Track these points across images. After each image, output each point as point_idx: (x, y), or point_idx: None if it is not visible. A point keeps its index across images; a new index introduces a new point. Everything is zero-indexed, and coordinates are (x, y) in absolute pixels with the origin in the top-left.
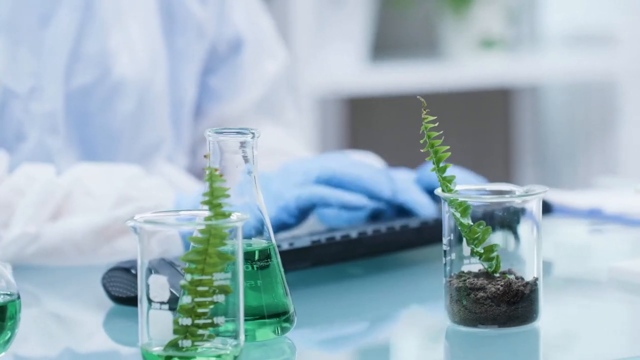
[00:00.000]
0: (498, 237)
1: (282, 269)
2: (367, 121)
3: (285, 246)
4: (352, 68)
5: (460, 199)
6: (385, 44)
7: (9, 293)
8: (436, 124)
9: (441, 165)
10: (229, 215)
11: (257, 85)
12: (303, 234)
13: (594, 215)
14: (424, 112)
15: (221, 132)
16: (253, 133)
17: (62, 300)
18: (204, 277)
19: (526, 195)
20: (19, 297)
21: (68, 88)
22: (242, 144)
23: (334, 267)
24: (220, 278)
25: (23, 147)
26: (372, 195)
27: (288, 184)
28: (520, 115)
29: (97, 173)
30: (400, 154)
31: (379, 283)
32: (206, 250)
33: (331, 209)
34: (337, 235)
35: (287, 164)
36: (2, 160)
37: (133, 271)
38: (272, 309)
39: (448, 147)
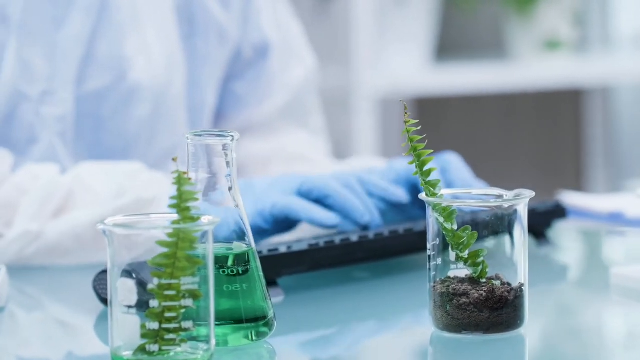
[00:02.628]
0: (484, 242)
1: (261, 274)
2: (432, 122)
3: (283, 249)
4: (416, 69)
5: (444, 204)
6: (450, 45)
7: None
8: (418, 127)
9: (425, 169)
10: (198, 219)
11: (283, 91)
12: (306, 238)
13: (615, 219)
14: (406, 115)
15: (201, 135)
16: (232, 136)
17: (63, 303)
18: (172, 281)
19: (509, 200)
20: None
21: (81, 92)
22: (223, 147)
23: (340, 270)
24: (188, 282)
25: (34, 149)
26: (349, 218)
27: (274, 189)
28: (591, 117)
29: (98, 170)
30: (466, 154)
31: (380, 287)
32: (175, 254)
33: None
34: (337, 238)
35: (284, 174)
36: (7, 159)
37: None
38: (250, 313)
39: (431, 150)
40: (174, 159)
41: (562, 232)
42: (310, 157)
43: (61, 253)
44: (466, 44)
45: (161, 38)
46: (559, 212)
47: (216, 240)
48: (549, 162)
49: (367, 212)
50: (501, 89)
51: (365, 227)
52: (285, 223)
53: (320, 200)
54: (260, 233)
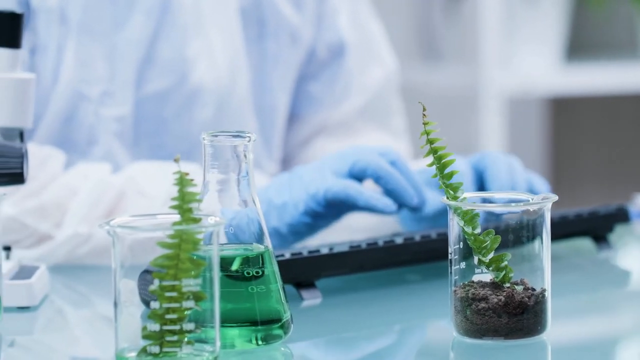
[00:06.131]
0: (509, 247)
1: (278, 275)
2: (565, 122)
3: (324, 251)
4: (547, 69)
5: (465, 208)
6: (581, 44)
7: None
8: (438, 130)
9: (446, 172)
10: (199, 220)
11: (361, 92)
12: (345, 241)
13: None
14: (424, 117)
15: (218, 136)
16: (249, 137)
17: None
18: (175, 283)
19: (530, 203)
20: None
21: (141, 94)
22: (238, 148)
23: (390, 272)
24: (190, 284)
25: (94, 150)
26: (398, 199)
27: (323, 172)
28: None
29: (151, 171)
30: (599, 154)
31: (426, 290)
32: (177, 256)
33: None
34: (380, 240)
35: (333, 153)
36: (58, 159)
37: None
38: (265, 315)
39: (453, 153)
40: (175, 159)
41: (625, 236)
42: None
43: (110, 255)
44: (598, 44)
45: (225, 40)
46: (621, 215)
47: (234, 242)
48: None
49: (416, 193)
50: (635, 89)
51: (414, 209)
52: (340, 207)
53: (373, 181)
54: (314, 216)
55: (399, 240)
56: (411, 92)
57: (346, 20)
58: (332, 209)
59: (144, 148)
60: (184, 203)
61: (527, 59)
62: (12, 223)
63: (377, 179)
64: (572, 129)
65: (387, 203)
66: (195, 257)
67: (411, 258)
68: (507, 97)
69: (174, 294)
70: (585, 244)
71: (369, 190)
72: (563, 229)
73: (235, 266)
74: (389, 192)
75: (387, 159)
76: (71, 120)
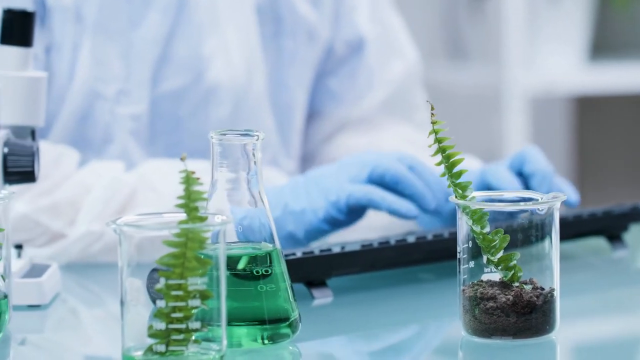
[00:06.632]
0: (516, 246)
1: (286, 275)
2: (589, 121)
3: (336, 249)
4: (571, 68)
5: (474, 207)
6: (605, 43)
7: None
8: (446, 129)
9: (455, 171)
10: (205, 219)
11: (383, 86)
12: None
13: None
14: (433, 116)
15: (226, 134)
16: (257, 135)
17: None
18: (181, 282)
19: (539, 203)
20: (5, 297)
21: (157, 92)
22: (247, 146)
23: (403, 271)
24: (195, 283)
25: (110, 149)
26: (416, 204)
27: (341, 179)
28: None
29: (165, 169)
30: (624, 153)
31: (439, 288)
32: (184, 254)
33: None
34: (392, 239)
35: (342, 159)
36: (72, 157)
37: None
38: (273, 314)
39: (461, 152)
40: (182, 158)
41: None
42: None
43: None
44: (622, 42)
45: (241, 38)
46: (636, 214)
47: (243, 241)
48: None
49: (434, 197)
50: None
51: (432, 213)
52: (359, 212)
53: (391, 186)
54: (335, 224)
55: (411, 240)
56: (436, 91)
57: (365, 15)
58: (352, 215)
59: (160, 146)
60: (190, 202)
61: (550, 58)
62: (25, 221)
63: (396, 185)
64: (596, 128)
65: (410, 207)
66: (202, 256)
67: (423, 257)
68: (530, 97)
69: (180, 292)
70: (599, 243)
71: (391, 195)
72: (577, 228)
73: (243, 265)
74: (408, 197)
75: (405, 163)
76: (87, 119)
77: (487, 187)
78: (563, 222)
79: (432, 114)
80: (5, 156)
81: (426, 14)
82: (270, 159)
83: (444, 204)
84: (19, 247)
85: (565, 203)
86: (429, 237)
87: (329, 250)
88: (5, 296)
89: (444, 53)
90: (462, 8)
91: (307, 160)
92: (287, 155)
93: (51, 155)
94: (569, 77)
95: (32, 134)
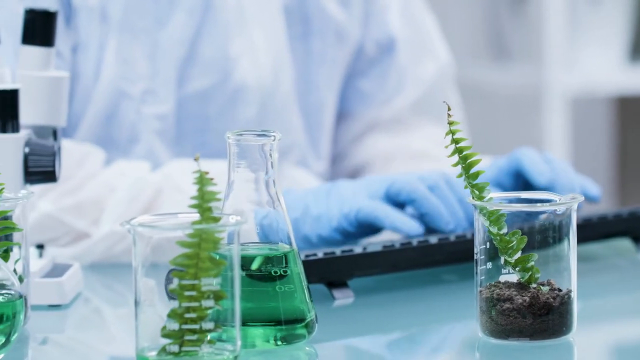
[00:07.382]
0: (534, 247)
1: (303, 275)
2: (631, 121)
3: (357, 250)
4: (612, 68)
5: (491, 208)
6: None
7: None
8: (462, 130)
9: (472, 172)
10: (219, 219)
11: (414, 86)
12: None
13: None
14: (449, 117)
15: (242, 135)
16: (274, 136)
17: None
18: (195, 282)
19: (554, 204)
20: (20, 297)
21: (183, 92)
22: (265, 147)
23: (425, 272)
24: (209, 283)
25: (136, 149)
26: (432, 223)
27: (360, 192)
28: None
29: (189, 169)
30: None
31: (460, 290)
32: (197, 255)
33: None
34: (414, 240)
35: (375, 176)
36: (98, 157)
37: None
38: (289, 315)
39: (478, 153)
40: (195, 158)
41: None
42: (435, 155)
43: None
44: None
45: (268, 39)
46: None
47: (264, 241)
48: None
49: (453, 218)
50: None
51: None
52: (371, 227)
53: (407, 204)
54: (347, 235)
55: (433, 240)
56: (477, 91)
57: (396, 15)
58: (363, 229)
59: (186, 147)
60: (204, 202)
61: (591, 58)
62: (49, 220)
63: (411, 202)
64: (637, 129)
65: (413, 226)
66: (217, 257)
67: (445, 258)
68: (571, 97)
69: (193, 293)
70: (624, 244)
71: (396, 212)
72: (602, 229)
73: (257, 265)
74: (423, 216)
75: (426, 183)
76: (113, 118)
77: (517, 172)
78: (588, 223)
79: (449, 114)
80: (26, 156)
81: (468, 14)
82: (299, 160)
83: (465, 225)
84: (40, 246)
85: (587, 199)
86: (452, 238)
87: (351, 250)
88: (21, 296)
89: (486, 53)
90: (504, 9)
91: (336, 161)
92: (317, 156)
93: (76, 155)
94: (610, 77)
95: (54, 133)
